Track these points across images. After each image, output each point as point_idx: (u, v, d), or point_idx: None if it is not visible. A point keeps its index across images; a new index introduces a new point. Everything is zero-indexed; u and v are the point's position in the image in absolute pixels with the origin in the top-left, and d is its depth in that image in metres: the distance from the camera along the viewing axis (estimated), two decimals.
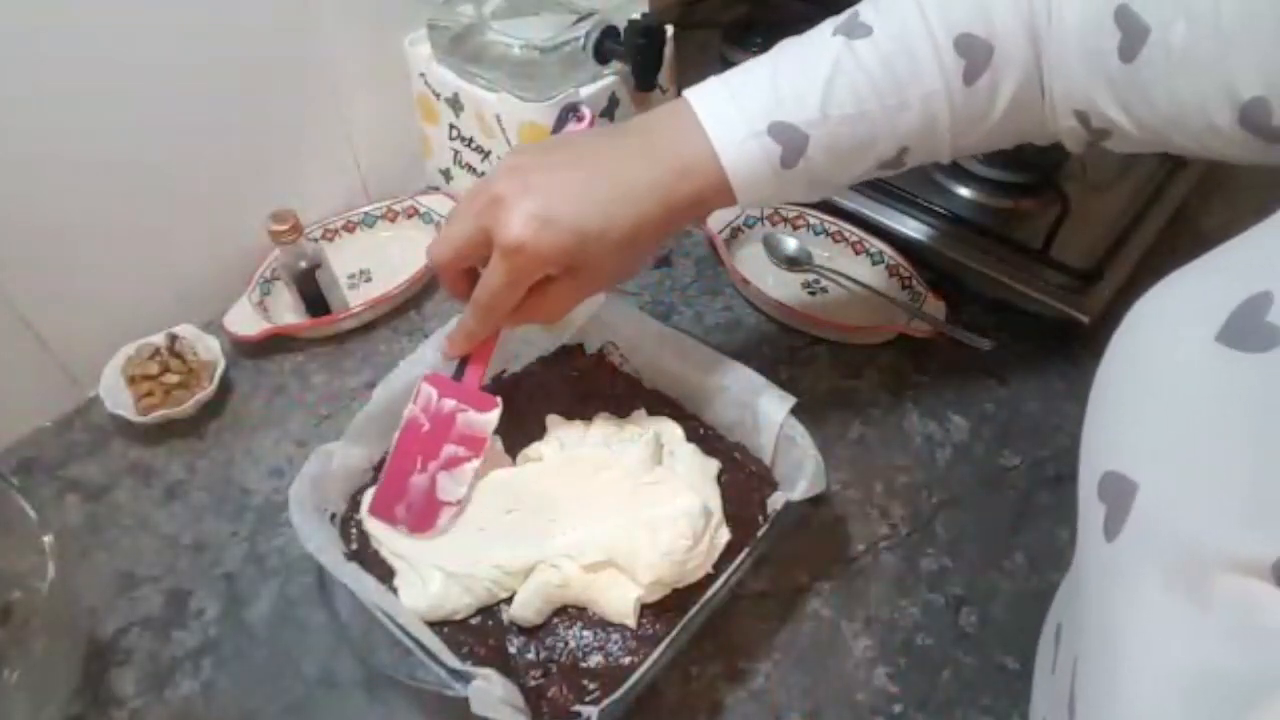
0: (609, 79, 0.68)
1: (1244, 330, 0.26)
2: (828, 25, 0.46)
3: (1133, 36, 0.40)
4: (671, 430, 0.55)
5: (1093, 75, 0.42)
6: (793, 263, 0.73)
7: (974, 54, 0.44)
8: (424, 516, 0.50)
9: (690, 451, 0.53)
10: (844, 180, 0.48)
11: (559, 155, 0.46)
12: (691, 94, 0.46)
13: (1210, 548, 0.25)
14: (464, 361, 0.51)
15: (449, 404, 0.50)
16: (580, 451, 0.53)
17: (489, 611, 0.48)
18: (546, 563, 0.47)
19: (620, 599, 0.47)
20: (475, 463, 0.50)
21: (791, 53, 0.46)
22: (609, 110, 0.70)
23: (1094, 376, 0.32)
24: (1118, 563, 0.28)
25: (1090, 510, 0.30)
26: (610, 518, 0.48)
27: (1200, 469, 0.26)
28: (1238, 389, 0.26)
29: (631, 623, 0.47)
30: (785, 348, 0.68)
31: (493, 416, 0.50)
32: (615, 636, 0.47)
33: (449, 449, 0.50)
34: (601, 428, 0.54)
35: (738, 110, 0.45)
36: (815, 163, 0.45)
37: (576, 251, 0.44)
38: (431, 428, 0.50)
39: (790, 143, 0.44)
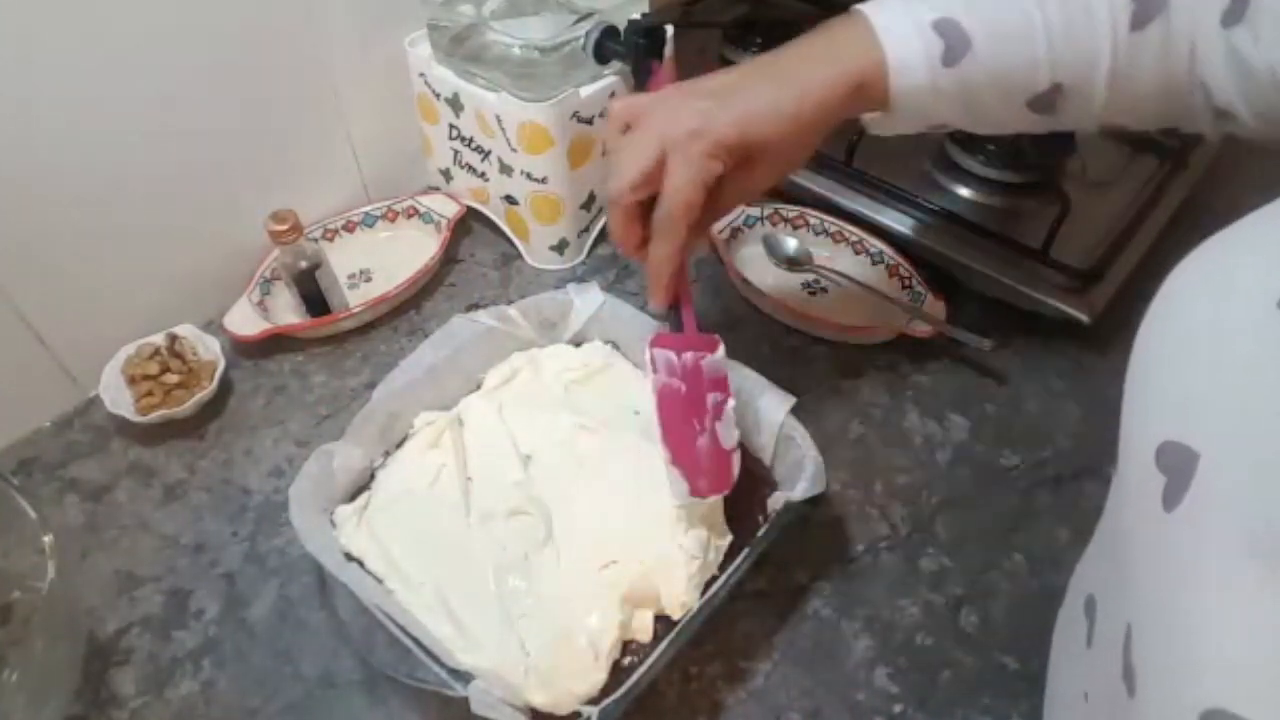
0: (609, 79, 0.68)
1: None
2: None
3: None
4: None
5: (1211, 44, 0.42)
6: (793, 263, 0.73)
7: None
8: (722, 475, 0.48)
9: None
10: (999, 108, 0.48)
11: (711, 75, 0.49)
12: (860, 5, 0.48)
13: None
14: (673, 312, 0.50)
15: (689, 356, 0.48)
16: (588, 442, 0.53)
17: None
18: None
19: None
20: (732, 402, 0.49)
21: None
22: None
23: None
24: (1181, 532, 0.28)
25: (1144, 479, 0.29)
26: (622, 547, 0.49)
27: (1265, 438, 0.25)
28: None
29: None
30: (785, 348, 0.68)
31: (723, 353, 0.49)
32: None
33: (712, 398, 0.48)
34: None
35: (905, 8, 0.47)
36: (975, 72, 0.46)
37: (750, 130, 0.45)
38: (689, 387, 0.48)
39: (953, 41, 0.45)
